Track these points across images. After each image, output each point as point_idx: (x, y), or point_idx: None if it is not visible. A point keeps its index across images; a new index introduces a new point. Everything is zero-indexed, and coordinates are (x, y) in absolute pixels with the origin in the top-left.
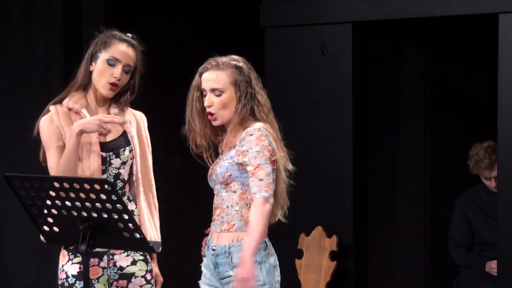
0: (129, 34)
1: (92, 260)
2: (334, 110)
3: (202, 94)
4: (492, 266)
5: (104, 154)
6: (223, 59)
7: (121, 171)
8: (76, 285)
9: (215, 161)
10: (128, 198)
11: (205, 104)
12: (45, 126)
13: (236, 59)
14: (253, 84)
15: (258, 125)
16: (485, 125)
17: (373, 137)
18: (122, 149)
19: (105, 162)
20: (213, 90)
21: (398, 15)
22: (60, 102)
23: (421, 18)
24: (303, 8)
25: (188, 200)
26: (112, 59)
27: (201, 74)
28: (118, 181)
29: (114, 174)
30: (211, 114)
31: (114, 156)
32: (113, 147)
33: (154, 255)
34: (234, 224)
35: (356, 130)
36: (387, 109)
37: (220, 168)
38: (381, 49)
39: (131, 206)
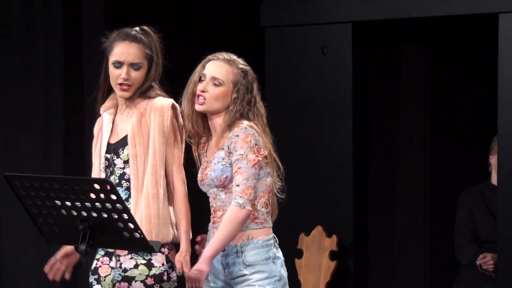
0: (137, 28)
1: (104, 258)
2: (334, 110)
3: (200, 79)
4: (484, 261)
5: (108, 155)
6: (235, 57)
7: (126, 170)
8: (90, 279)
9: (203, 165)
10: None
11: (199, 87)
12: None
13: (246, 65)
14: (254, 93)
15: (245, 123)
16: (485, 124)
17: (373, 137)
18: (122, 149)
19: (111, 164)
20: (213, 79)
21: (398, 15)
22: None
23: (421, 18)
24: (303, 8)
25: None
26: (116, 62)
27: (209, 60)
28: (123, 181)
29: (119, 174)
30: (201, 98)
31: (115, 156)
32: (116, 147)
33: (181, 251)
34: None
35: (356, 130)
36: (387, 109)
37: (214, 172)
38: (381, 49)
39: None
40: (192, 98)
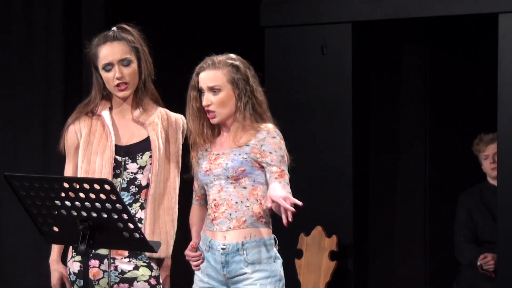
0: (114, 28)
1: (93, 261)
2: (334, 110)
3: (200, 93)
4: (485, 261)
5: (119, 158)
6: (220, 57)
7: (138, 176)
8: (76, 283)
9: (210, 157)
10: (142, 206)
11: (204, 103)
12: (66, 133)
13: (232, 58)
14: (251, 82)
15: (272, 125)
16: (485, 124)
17: (373, 137)
18: (141, 154)
19: (120, 166)
20: (210, 89)
21: (398, 15)
22: (79, 115)
23: (421, 18)
24: (303, 8)
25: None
26: (105, 65)
27: (198, 74)
28: (132, 186)
29: (128, 179)
30: (210, 112)
31: (130, 160)
32: (131, 151)
33: (167, 264)
34: (245, 220)
35: (356, 130)
36: (387, 109)
37: (232, 162)
38: (381, 49)
39: (140, 214)
40: (199, 114)
